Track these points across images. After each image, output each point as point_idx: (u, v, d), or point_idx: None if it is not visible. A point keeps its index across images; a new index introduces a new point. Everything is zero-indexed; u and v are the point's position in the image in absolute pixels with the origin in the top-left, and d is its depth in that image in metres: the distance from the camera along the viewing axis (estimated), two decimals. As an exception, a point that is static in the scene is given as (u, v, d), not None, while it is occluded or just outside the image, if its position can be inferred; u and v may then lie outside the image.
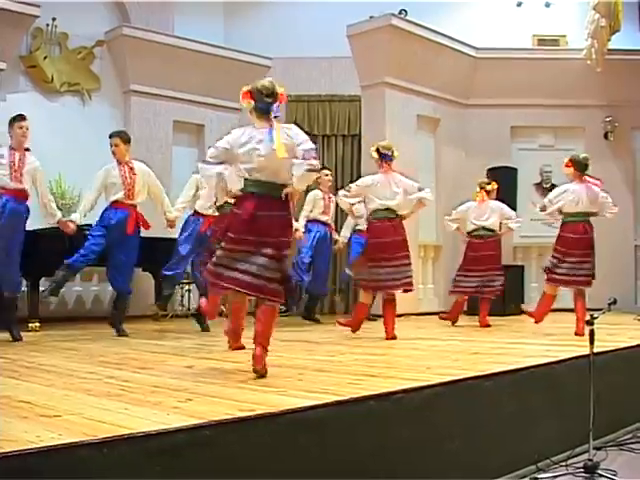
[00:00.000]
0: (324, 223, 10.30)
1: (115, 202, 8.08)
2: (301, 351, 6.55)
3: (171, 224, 8.62)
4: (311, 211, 10.21)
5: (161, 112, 12.26)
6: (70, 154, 10.66)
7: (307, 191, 9.67)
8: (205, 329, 8.61)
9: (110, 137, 8.26)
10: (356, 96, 12.54)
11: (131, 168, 8.20)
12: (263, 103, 4.96)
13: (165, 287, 9.00)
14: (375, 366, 5.35)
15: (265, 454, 3.30)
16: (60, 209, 8.44)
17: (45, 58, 11.33)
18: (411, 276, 7.90)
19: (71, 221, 7.93)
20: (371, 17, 11.78)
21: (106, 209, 8.13)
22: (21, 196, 7.56)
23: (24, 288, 8.63)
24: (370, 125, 11.94)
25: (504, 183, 10.63)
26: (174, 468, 2.98)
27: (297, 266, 9.89)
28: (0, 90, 10.35)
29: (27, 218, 7.69)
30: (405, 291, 7.94)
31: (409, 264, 7.91)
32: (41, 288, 9.02)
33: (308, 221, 10.19)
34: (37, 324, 8.65)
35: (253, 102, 4.97)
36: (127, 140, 8.27)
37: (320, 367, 5.26)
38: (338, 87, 13.03)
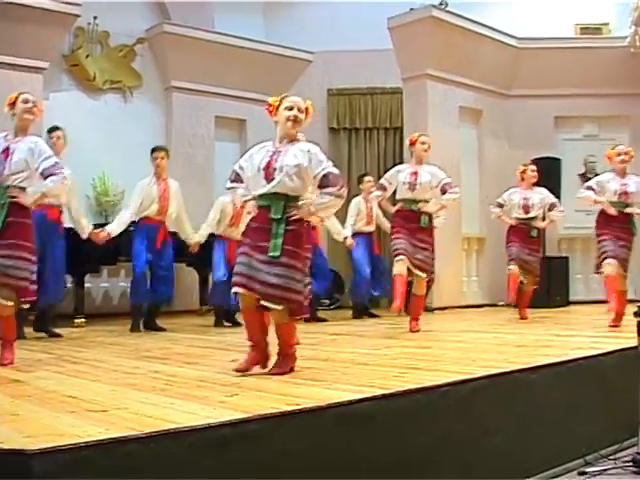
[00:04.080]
0: (369, 235, 10.20)
1: (146, 218, 8.23)
2: (346, 344, 6.53)
3: (193, 248, 8.68)
4: (355, 223, 10.09)
5: (203, 108, 12.26)
6: (113, 151, 10.73)
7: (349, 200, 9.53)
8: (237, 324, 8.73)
9: (156, 151, 8.35)
10: (398, 88, 12.45)
11: (168, 185, 8.28)
12: None
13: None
14: (420, 359, 5.31)
15: (311, 448, 3.28)
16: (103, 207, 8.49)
17: (87, 57, 11.40)
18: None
19: (103, 230, 7.98)
20: (412, 9, 11.69)
21: (137, 224, 8.28)
22: (54, 211, 7.60)
23: (69, 284, 8.71)
24: (412, 117, 11.86)
25: (548, 174, 10.51)
26: (220, 462, 2.98)
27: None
28: (43, 89, 10.42)
29: (62, 231, 7.75)
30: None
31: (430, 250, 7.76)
32: (86, 284, 9.12)
33: (354, 234, 10.06)
34: (82, 320, 8.73)
35: None
36: (168, 155, 8.39)
37: (366, 360, 5.23)
38: (379, 80, 12.93)
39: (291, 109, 4.75)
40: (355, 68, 12.88)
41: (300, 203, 4.71)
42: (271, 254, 4.54)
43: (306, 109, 4.82)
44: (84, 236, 7.89)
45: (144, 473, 2.79)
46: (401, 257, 7.44)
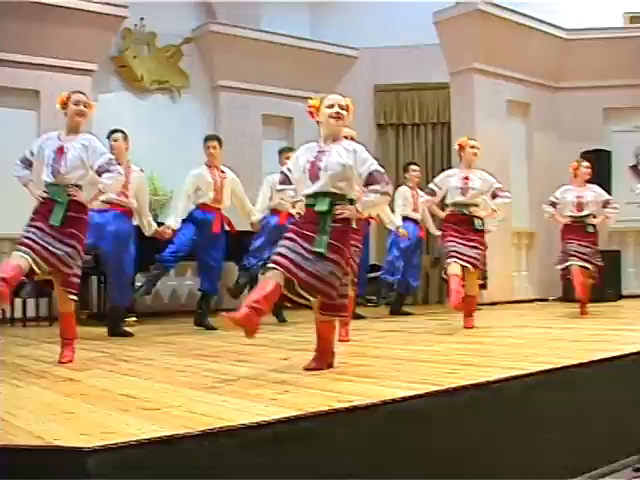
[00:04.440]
0: (416, 221, 10.17)
1: (203, 205, 8.25)
2: (397, 341, 6.51)
3: (256, 227, 8.72)
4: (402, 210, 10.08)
5: (250, 106, 12.30)
6: (162, 151, 10.80)
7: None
8: (282, 320, 8.82)
9: (209, 139, 8.42)
10: (445, 83, 12.39)
11: (222, 172, 8.32)
12: None
13: (241, 276, 9.05)
14: (472, 355, 5.28)
15: (364, 445, 3.27)
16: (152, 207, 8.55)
17: (135, 58, 11.50)
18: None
19: (167, 227, 8.03)
20: (457, 3, 11.63)
21: (193, 211, 8.29)
22: (126, 211, 7.70)
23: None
24: (460, 112, 11.81)
25: (598, 166, 10.36)
26: (273, 460, 2.98)
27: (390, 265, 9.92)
28: (92, 91, 10.52)
29: (133, 232, 7.83)
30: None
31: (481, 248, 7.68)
32: (137, 283, 9.17)
33: (402, 219, 10.07)
34: (134, 319, 8.80)
35: None
36: (221, 144, 8.44)
37: (417, 357, 5.22)
38: (426, 75, 12.86)
39: (332, 107, 4.77)
40: (402, 63, 12.83)
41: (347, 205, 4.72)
42: (316, 249, 4.54)
43: (347, 106, 4.83)
44: (148, 233, 7.96)
45: (197, 471, 2.80)
46: (454, 259, 7.39)
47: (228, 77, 12.15)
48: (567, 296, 10.75)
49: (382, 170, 4.75)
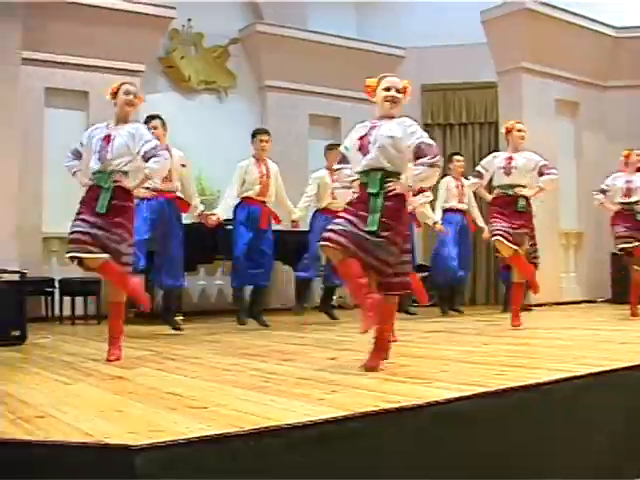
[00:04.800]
0: (462, 211, 10.12)
1: (247, 198, 8.27)
2: (444, 341, 6.48)
3: (295, 224, 8.74)
4: (446, 200, 10.04)
5: (297, 106, 12.31)
6: (209, 151, 10.85)
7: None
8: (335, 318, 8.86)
9: (260, 133, 8.45)
10: (492, 83, 12.30)
11: (268, 166, 8.34)
12: None
13: (300, 288, 9.06)
14: (520, 356, 5.23)
15: (411, 446, 3.26)
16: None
17: (182, 58, 11.57)
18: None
19: (213, 214, 8.08)
20: (505, 2, 11.55)
21: (238, 205, 8.33)
22: (172, 196, 7.79)
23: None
24: (507, 112, 11.69)
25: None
26: (320, 460, 2.97)
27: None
28: (140, 91, 10.57)
29: (180, 216, 7.93)
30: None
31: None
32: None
33: (445, 211, 10.04)
34: (181, 317, 8.84)
35: None
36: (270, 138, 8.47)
37: (464, 358, 5.18)
38: (474, 74, 12.78)
39: (389, 89, 4.79)
40: (449, 63, 12.74)
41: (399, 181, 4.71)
42: (369, 228, 4.54)
43: (404, 88, 4.84)
44: (194, 214, 8.09)
45: (245, 469, 2.80)
46: (498, 237, 7.33)
47: (275, 77, 12.18)
48: (616, 298, 10.62)
49: (431, 142, 4.71)
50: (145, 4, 10.57)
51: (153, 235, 7.56)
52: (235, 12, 12.16)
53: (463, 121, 13.12)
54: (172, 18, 10.94)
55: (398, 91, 4.79)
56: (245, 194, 8.29)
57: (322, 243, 4.58)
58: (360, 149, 4.76)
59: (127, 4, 10.42)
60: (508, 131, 7.74)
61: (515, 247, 7.34)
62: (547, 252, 10.76)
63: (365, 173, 4.71)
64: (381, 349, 4.75)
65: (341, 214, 4.72)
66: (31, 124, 9.69)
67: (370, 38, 12.97)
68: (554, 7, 11.68)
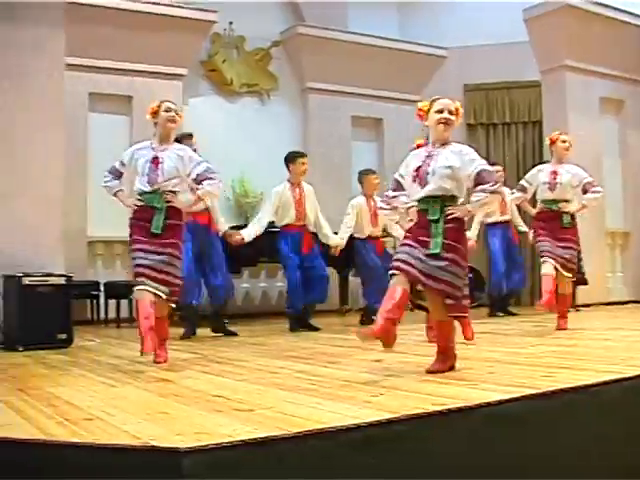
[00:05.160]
0: (504, 224, 10.04)
1: (286, 226, 8.30)
2: (489, 343, 6.42)
3: (335, 251, 8.68)
4: (488, 214, 9.92)
5: (339, 108, 12.31)
6: (251, 153, 10.89)
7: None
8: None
9: (301, 156, 8.45)
10: (535, 81, 12.19)
11: (302, 190, 8.36)
12: None
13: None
14: (567, 358, 5.15)
15: (460, 449, 3.21)
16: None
17: (224, 61, 11.62)
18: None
19: (238, 234, 8.10)
20: (547, -1, 11.46)
21: (280, 234, 8.36)
22: (204, 216, 7.78)
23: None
24: (551, 110, 11.61)
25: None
26: (367, 463, 2.94)
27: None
28: (183, 95, 10.67)
29: (212, 232, 7.92)
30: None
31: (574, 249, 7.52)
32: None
33: (488, 225, 9.99)
34: (226, 321, 8.85)
35: None
36: None
37: (511, 359, 5.12)
38: (517, 73, 12.68)
39: (441, 112, 4.75)
40: (491, 62, 12.66)
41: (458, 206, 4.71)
42: (432, 251, 4.55)
43: (456, 110, 4.81)
44: (219, 234, 8.08)
45: (292, 473, 2.78)
46: (548, 259, 7.26)
47: (317, 79, 12.18)
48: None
49: (491, 169, 4.74)
50: (187, 8, 10.65)
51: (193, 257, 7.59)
52: (276, 14, 12.19)
53: (506, 120, 13.02)
54: (214, 22, 11.01)
55: (450, 112, 4.77)
56: (283, 222, 8.31)
57: (392, 272, 4.59)
58: (416, 179, 4.74)
59: (169, 9, 10.50)
60: (552, 142, 7.65)
61: (564, 272, 7.30)
62: (593, 252, 10.69)
63: (424, 201, 4.70)
64: (445, 362, 4.73)
65: (404, 241, 4.74)
66: (75, 129, 9.79)
67: (412, 38, 12.94)
68: (597, 3, 11.57)
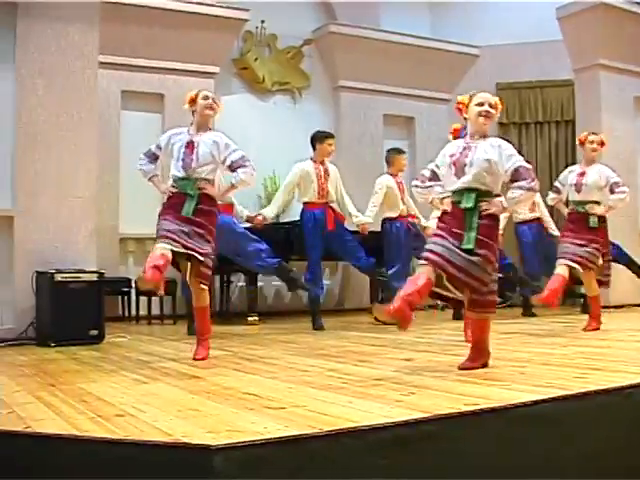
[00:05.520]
0: (534, 221, 9.98)
1: (308, 203, 8.32)
2: (520, 344, 6.37)
3: (363, 229, 8.69)
4: (519, 213, 9.89)
5: (371, 106, 12.28)
6: (283, 151, 10.88)
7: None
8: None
9: (329, 137, 8.48)
10: (569, 80, 12.09)
11: (326, 168, 8.35)
12: None
13: (384, 290, 9.03)
14: (600, 359, 5.11)
15: (491, 450, 3.20)
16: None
17: (256, 60, 11.62)
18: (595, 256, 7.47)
19: (259, 214, 8.17)
20: (581, -3, 11.36)
21: (302, 211, 8.40)
22: (228, 208, 7.89)
23: (242, 283, 8.89)
24: (584, 110, 11.50)
25: None
26: (399, 462, 2.93)
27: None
28: (215, 93, 10.67)
29: (235, 223, 8.01)
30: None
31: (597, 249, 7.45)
32: (259, 283, 9.30)
33: (518, 223, 9.96)
34: (256, 318, 8.88)
35: None
36: None
37: (542, 360, 5.09)
38: (549, 72, 12.56)
39: (482, 105, 4.78)
40: (524, 61, 12.57)
41: (493, 201, 4.71)
42: (465, 246, 4.56)
43: (495, 104, 4.85)
44: (242, 220, 8.23)
45: (322, 472, 2.77)
46: (563, 260, 7.24)
47: (349, 77, 12.16)
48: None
49: (528, 166, 4.73)
50: (219, 7, 10.66)
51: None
52: (308, 13, 12.17)
53: (539, 119, 12.91)
54: (246, 20, 11.01)
55: (490, 106, 4.79)
56: (305, 199, 8.34)
57: (421, 262, 4.62)
58: (453, 170, 4.76)
59: (201, 7, 10.52)
60: (581, 143, 7.61)
61: (579, 269, 7.25)
62: (626, 252, 10.56)
63: (459, 192, 4.71)
64: (478, 359, 4.76)
65: (436, 232, 4.76)
66: (108, 126, 9.86)
67: (444, 37, 12.86)
68: (631, 1, 11.44)
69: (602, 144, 7.53)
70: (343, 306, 10.92)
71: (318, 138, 8.44)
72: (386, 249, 8.92)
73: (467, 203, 4.65)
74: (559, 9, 11.40)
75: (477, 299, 4.65)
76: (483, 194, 4.68)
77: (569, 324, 8.09)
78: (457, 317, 8.68)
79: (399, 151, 9.15)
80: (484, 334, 4.80)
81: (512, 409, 3.34)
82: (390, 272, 8.72)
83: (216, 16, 10.62)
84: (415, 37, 12.55)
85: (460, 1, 13.00)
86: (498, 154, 4.69)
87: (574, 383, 3.95)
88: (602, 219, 7.43)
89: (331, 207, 8.39)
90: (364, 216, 8.72)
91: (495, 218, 4.72)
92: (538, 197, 9.15)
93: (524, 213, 9.90)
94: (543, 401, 3.45)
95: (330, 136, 8.49)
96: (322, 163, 8.40)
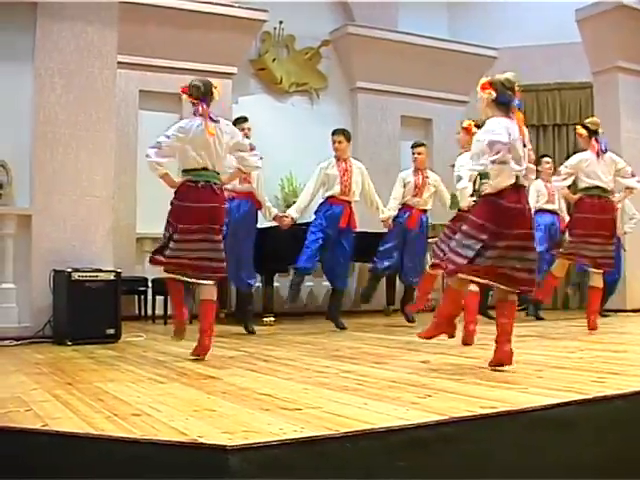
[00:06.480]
0: (552, 212, 9.95)
1: (331, 197, 8.27)
2: (537, 347, 6.35)
3: (386, 223, 8.69)
4: (537, 202, 9.87)
5: (388, 108, 12.28)
6: (300, 152, 10.88)
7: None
8: (412, 320, 8.83)
9: (333, 134, 8.44)
10: (587, 83, 12.07)
11: (349, 165, 8.32)
12: (505, 96, 4.86)
13: (370, 279, 9.05)
14: (617, 363, 5.09)
15: (508, 453, 3.19)
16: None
17: (274, 60, 11.63)
18: (611, 257, 7.47)
19: (286, 216, 8.17)
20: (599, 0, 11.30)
21: (321, 204, 8.35)
22: (251, 197, 7.87)
23: (259, 284, 8.89)
24: (603, 112, 11.42)
25: None
26: (416, 464, 2.92)
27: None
28: (232, 94, 10.72)
29: (257, 218, 7.99)
30: (604, 272, 7.51)
31: (610, 244, 7.46)
32: (275, 284, 9.30)
33: (536, 212, 9.92)
34: (272, 319, 8.89)
35: (494, 93, 4.87)
36: (348, 138, 8.47)
37: (559, 364, 5.07)
38: (568, 74, 12.53)
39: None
40: (542, 63, 12.52)
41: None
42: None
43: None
44: (268, 219, 8.26)
45: (339, 473, 2.77)
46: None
47: (366, 79, 12.15)
48: None
49: (492, 139, 4.77)
50: (237, 7, 10.68)
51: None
52: (326, 14, 12.17)
53: (557, 122, 12.87)
54: (264, 21, 11.03)
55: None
56: (329, 193, 8.30)
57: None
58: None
59: (219, 8, 10.54)
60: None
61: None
62: (640, 256, 10.53)
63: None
64: (505, 342, 4.79)
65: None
66: (126, 126, 9.91)
67: (462, 39, 12.83)
68: (651, 3, 11.40)
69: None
70: (359, 308, 10.88)
71: (331, 134, 8.47)
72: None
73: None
74: (578, 11, 11.37)
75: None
76: (483, 176, 4.85)
77: (585, 327, 8.04)
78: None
79: (412, 145, 9.15)
80: (510, 320, 4.89)
81: (529, 412, 3.32)
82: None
83: (234, 17, 10.64)
84: (433, 39, 12.53)
85: (478, 2, 12.98)
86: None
87: (591, 387, 3.94)
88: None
89: (350, 207, 8.37)
90: (387, 209, 8.76)
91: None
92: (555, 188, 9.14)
93: (541, 202, 9.86)
94: (560, 405, 3.44)
95: (334, 132, 8.47)
96: (345, 161, 8.38)
